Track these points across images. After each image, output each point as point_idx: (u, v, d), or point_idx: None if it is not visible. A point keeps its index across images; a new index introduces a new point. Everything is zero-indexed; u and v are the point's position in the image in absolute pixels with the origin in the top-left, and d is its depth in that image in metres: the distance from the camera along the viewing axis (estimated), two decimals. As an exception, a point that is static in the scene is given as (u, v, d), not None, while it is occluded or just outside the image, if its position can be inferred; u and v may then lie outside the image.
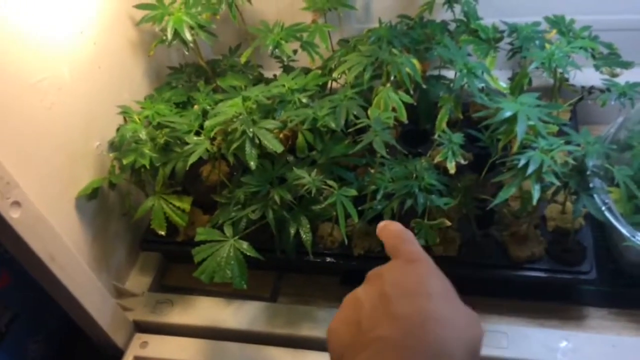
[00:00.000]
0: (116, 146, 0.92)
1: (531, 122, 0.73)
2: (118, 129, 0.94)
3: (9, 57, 0.74)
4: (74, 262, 0.81)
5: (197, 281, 0.96)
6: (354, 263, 0.91)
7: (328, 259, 0.93)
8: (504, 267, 0.87)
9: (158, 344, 0.94)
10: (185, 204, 0.92)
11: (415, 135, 1.02)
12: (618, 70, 0.88)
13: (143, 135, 0.87)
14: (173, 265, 1.07)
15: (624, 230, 0.82)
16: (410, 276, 0.45)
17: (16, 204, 0.70)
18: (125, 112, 0.92)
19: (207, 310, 0.96)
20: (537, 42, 0.87)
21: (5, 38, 0.73)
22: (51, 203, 0.80)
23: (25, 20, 0.77)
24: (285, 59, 0.98)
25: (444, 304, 0.42)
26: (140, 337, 0.95)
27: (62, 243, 0.79)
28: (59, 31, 0.83)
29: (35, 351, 0.95)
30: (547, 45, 0.86)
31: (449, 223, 0.78)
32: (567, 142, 0.76)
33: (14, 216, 0.70)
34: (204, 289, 0.99)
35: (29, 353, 0.94)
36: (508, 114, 0.73)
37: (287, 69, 1.02)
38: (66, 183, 0.86)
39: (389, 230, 0.51)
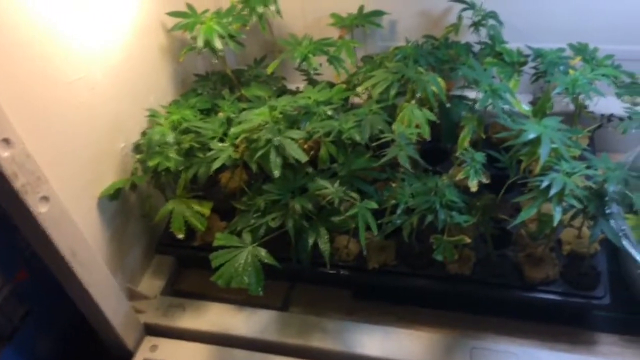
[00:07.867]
0: (141, 148, 0.93)
1: (554, 145, 0.74)
2: (145, 132, 0.96)
3: (50, 57, 0.76)
4: (94, 259, 0.82)
5: (209, 287, 0.97)
6: (368, 277, 0.92)
7: (342, 272, 0.93)
8: (517, 288, 0.88)
9: (168, 347, 0.94)
10: (205, 208, 0.93)
11: (434, 153, 1.03)
12: (639, 99, 0.90)
13: (170, 139, 0.89)
14: (186, 270, 1.08)
15: (639, 258, 0.83)
16: None
17: (44, 199, 0.72)
18: (153, 116, 0.93)
19: (218, 317, 0.97)
20: (561, 67, 0.89)
21: (46, 38, 0.75)
22: (74, 200, 0.81)
23: (66, 22, 0.79)
24: (311, 71, 1.00)
25: None
26: (150, 340, 0.95)
27: (84, 240, 0.80)
28: (95, 34, 0.85)
29: (45, 348, 0.95)
30: (571, 71, 0.88)
31: (468, 240, 0.79)
32: (587, 167, 0.77)
33: (41, 211, 0.71)
34: (216, 295, 1.00)
35: (38, 349, 0.94)
36: (532, 135, 0.75)
37: (311, 82, 1.04)
38: (90, 181, 0.87)
39: None
